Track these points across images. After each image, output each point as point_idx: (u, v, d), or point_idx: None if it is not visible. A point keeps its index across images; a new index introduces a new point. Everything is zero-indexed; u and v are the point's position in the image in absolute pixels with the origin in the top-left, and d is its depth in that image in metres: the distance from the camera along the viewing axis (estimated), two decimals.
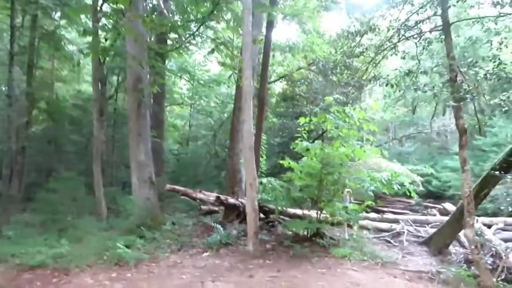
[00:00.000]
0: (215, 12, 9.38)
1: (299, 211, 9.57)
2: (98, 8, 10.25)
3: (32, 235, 7.55)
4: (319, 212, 8.72)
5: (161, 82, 10.18)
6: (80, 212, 9.09)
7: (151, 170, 9.44)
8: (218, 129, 19.82)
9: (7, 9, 12.29)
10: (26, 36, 13.48)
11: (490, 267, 6.76)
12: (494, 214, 12.10)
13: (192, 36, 11.06)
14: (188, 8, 11.74)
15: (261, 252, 7.43)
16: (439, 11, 7.24)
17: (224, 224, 9.32)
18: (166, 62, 15.72)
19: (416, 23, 8.08)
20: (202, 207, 11.11)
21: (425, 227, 10.71)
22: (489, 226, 10.02)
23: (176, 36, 13.09)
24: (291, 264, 6.79)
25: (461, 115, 6.51)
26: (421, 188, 14.26)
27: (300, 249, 7.59)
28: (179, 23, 10.44)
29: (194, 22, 10.53)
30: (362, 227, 9.89)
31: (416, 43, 8.41)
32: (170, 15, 12.35)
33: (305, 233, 8.75)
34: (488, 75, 6.81)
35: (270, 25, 12.44)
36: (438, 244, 8.48)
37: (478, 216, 9.93)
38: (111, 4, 8.46)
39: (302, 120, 8.91)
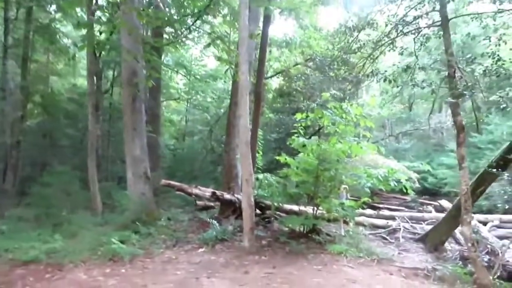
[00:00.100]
0: (211, 6, 9.29)
1: (295, 207, 9.54)
2: (93, 1, 10.14)
3: (26, 230, 7.49)
4: (315, 208, 8.69)
5: (156, 77, 10.08)
6: (75, 207, 9.04)
7: (147, 165, 9.36)
8: (215, 125, 19.75)
9: (1, 1, 12.13)
10: (20, 29, 13.31)
11: (486, 264, 6.77)
12: (489, 211, 12.14)
13: (188, 30, 10.96)
14: (185, 2, 11.62)
15: (256, 248, 7.40)
16: (438, 6, 7.19)
17: (220, 219, 9.27)
18: (163, 56, 15.62)
19: (415, 18, 8.04)
20: (198, 202, 11.05)
21: (421, 224, 10.71)
22: (484, 224, 10.04)
23: (172, 30, 12.98)
24: (287, 261, 6.76)
25: (459, 112, 6.48)
26: (417, 185, 14.31)
27: (296, 245, 7.56)
28: (175, 17, 10.34)
29: (190, 17, 10.43)
30: (358, 224, 9.90)
31: (414, 39, 8.37)
32: (166, 8, 12.24)
33: (301, 229, 8.73)
34: (487, 71, 6.79)
35: (267, 19, 12.35)
36: (434, 241, 8.47)
37: (474, 213, 9.94)
38: None
39: (298, 116, 8.88)
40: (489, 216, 11.05)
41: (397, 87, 9.47)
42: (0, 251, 6.38)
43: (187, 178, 14.75)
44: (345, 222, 9.29)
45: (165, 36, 13.94)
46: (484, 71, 6.87)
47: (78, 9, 12.74)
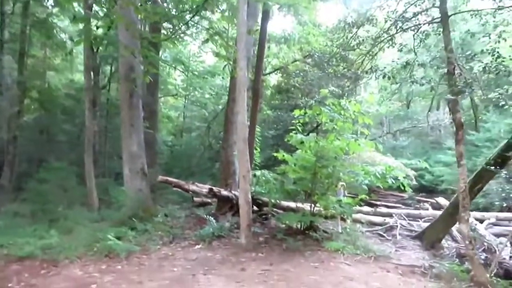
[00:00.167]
0: (210, 1, 9.21)
1: (292, 204, 9.53)
2: None
3: (21, 226, 7.45)
4: (312, 205, 8.68)
5: (154, 72, 10.01)
6: (71, 202, 9.02)
7: (144, 161, 9.32)
8: (212, 121, 19.72)
9: None
10: (17, 24, 13.24)
11: (483, 262, 6.77)
12: (486, 209, 12.18)
13: (186, 26, 10.89)
14: None
15: (253, 245, 7.38)
16: (437, 3, 7.16)
17: (217, 216, 9.26)
18: (160, 52, 15.52)
19: (414, 14, 8.00)
20: (195, 199, 11.01)
21: (418, 221, 10.72)
22: (481, 221, 10.05)
23: (170, 25, 12.89)
24: (284, 258, 6.74)
25: (458, 109, 6.46)
26: (414, 182, 14.31)
27: (293, 242, 7.55)
28: (173, 12, 10.27)
29: (188, 12, 10.36)
30: (355, 221, 9.89)
31: (413, 36, 8.34)
32: (164, 4, 12.15)
33: (299, 226, 8.72)
34: (486, 68, 6.76)
35: (266, 15, 12.30)
36: (431, 238, 8.47)
37: (470, 211, 9.94)
38: None
39: (297, 113, 8.84)
40: (485, 214, 11.07)
41: (396, 83, 9.43)
42: None
43: (185, 174, 14.72)
44: (343, 219, 9.29)
45: (163, 31, 13.86)
46: (484, 68, 6.83)
47: (75, 4, 12.61)
